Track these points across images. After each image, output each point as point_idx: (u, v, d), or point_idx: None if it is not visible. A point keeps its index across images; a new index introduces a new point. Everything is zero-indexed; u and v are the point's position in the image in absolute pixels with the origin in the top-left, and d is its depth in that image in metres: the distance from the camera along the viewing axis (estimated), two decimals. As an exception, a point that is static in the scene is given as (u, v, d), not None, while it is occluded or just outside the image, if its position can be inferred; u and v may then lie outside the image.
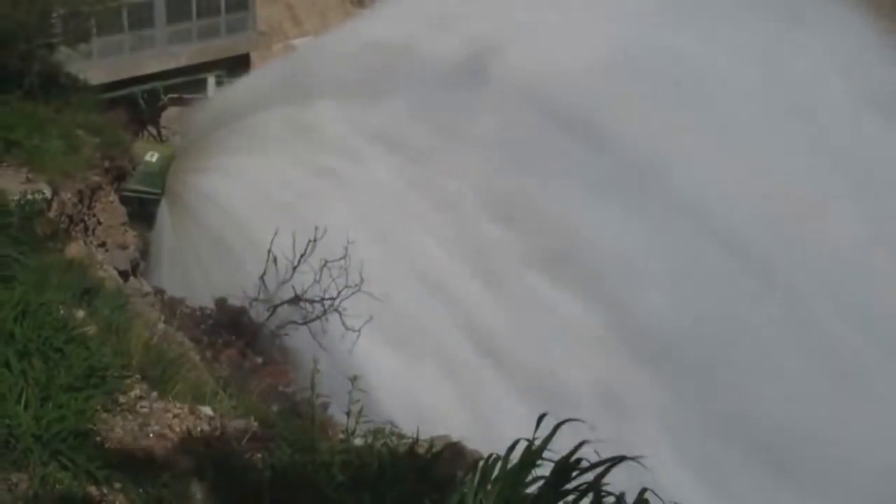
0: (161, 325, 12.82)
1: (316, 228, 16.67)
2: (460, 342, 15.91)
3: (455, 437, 10.01)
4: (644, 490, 7.92)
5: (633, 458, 8.48)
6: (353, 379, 9.44)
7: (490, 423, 11.58)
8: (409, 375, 14.65)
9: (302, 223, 17.51)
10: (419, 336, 15.69)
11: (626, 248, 16.90)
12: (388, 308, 15.96)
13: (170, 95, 27.97)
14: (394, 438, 9.50)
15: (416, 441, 9.44)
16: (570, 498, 8.27)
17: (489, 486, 8.54)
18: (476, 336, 15.96)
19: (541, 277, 16.55)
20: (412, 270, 17.17)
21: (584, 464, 8.40)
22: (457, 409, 13.97)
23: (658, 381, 15.44)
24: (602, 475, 8.30)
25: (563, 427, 8.59)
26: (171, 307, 15.04)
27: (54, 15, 19.91)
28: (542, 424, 8.56)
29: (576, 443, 8.43)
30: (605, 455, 8.40)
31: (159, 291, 15.85)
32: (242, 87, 25.76)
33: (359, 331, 15.12)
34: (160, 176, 21.57)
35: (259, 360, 14.94)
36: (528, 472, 8.49)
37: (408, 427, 10.15)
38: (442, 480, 8.93)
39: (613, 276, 16.49)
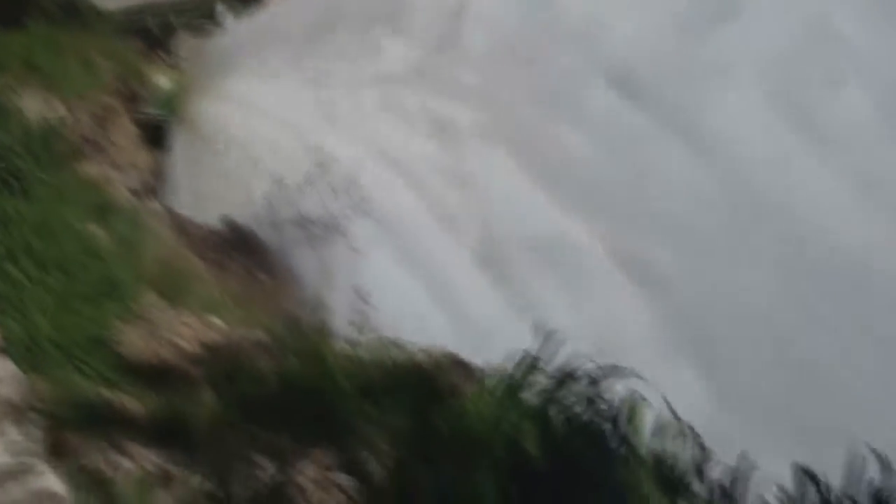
0: (172, 242, 13.16)
1: (323, 152, 16.94)
2: (468, 265, 16.20)
3: (458, 351, 10.32)
4: (634, 392, 8.27)
5: (628, 369, 8.83)
6: (357, 290, 9.74)
7: (493, 340, 11.86)
8: (416, 295, 14.96)
9: (311, 148, 17.73)
10: (427, 258, 15.98)
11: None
12: (396, 231, 16.24)
13: (184, 24, 28.04)
14: (398, 350, 9.80)
15: (418, 353, 9.74)
16: (568, 405, 8.62)
17: (488, 396, 8.89)
18: (483, 258, 16.24)
19: (542, 195, 16.74)
20: (419, 195, 17.39)
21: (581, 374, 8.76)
22: (462, 327, 14.29)
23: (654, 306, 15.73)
24: (598, 384, 8.65)
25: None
26: (182, 226, 15.36)
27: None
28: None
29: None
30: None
31: (170, 211, 16.17)
32: (258, 19, 25.75)
33: (365, 252, 15.44)
34: (173, 101, 21.77)
35: (267, 278, 15.30)
36: (526, 382, 8.83)
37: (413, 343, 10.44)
38: (443, 391, 9.27)
39: (606, 189, 16.66)
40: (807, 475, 7.79)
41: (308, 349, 9.57)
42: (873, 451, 8.01)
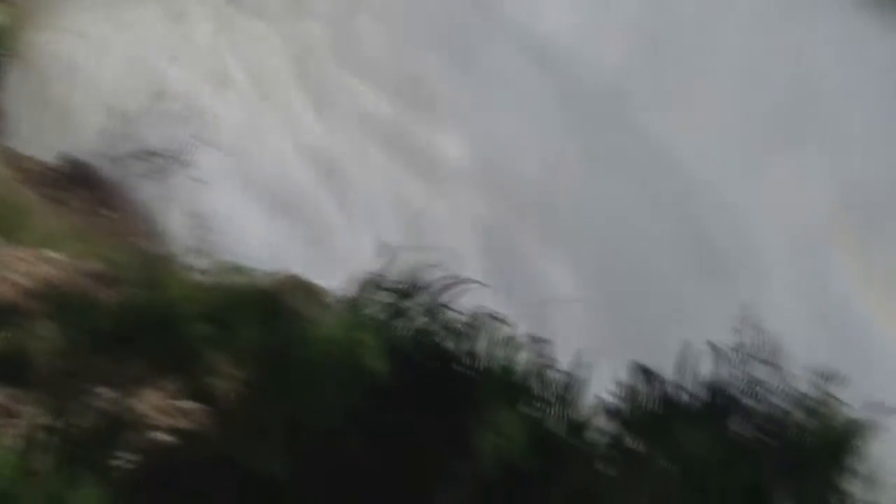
0: (7, 179, 12.87)
1: (165, 83, 16.68)
2: (316, 190, 16.15)
3: (304, 274, 10.34)
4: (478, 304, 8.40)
5: (473, 281, 8.95)
6: (199, 217, 9.68)
7: (339, 260, 11.93)
8: (261, 221, 14.90)
9: (153, 80, 17.42)
10: (274, 185, 15.91)
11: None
12: (241, 160, 16.10)
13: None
14: (241, 275, 9.78)
15: (262, 277, 9.73)
16: (412, 320, 8.71)
17: (334, 316, 8.94)
18: (333, 183, 16.21)
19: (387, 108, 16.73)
20: (268, 124, 17.24)
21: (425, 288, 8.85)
22: (309, 250, 14.30)
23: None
24: (442, 297, 8.75)
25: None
26: (18, 163, 15.02)
27: None
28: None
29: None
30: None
31: (5, 148, 15.79)
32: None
33: (210, 182, 15.29)
34: (8, 35, 21.20)
35: (109, 212, 15.06)
36: (371, 300, 8.90)
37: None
38: (289, 313, 9.29)
39: (479, 114, 16.74)
40: (641, 370, 8.02)
41: (150, 278, 9.51)
42: (708, 342, 8.29)
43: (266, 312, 9.22)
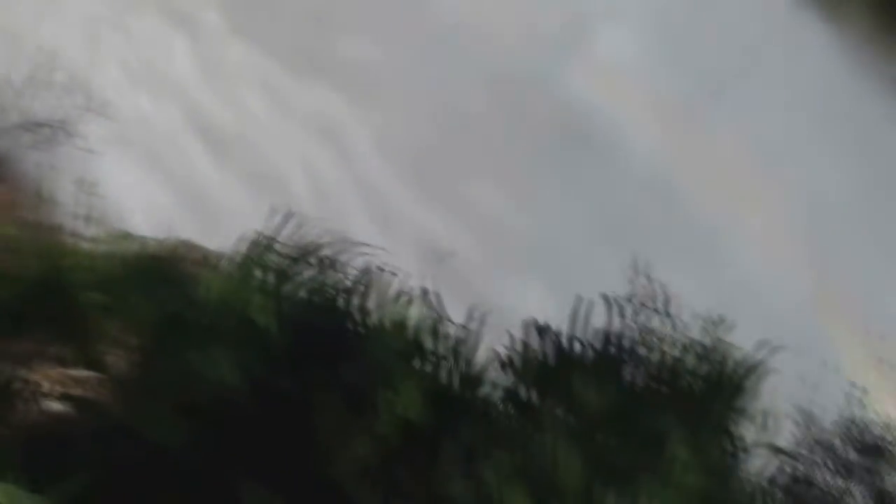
0: None
1: (54, 53, 16.37)
2: (204, 156, 15.97)
3: (195, 240, 10.27)
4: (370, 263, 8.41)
5: (364, 244, 8.95)
6: (88, 187, 9.55)
7: (230, 223, 11.82)
8: (151, 188, 14.73)
9: (40, 49, 17.07)
10: (162, 152, 15.71)
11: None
12: (129, 128, 15.87)
13: None
14: (132, 243, 9.69)
15: (153, 243, 9.65)
16: (303, 281, 8.70)
17: (225, 279, 8.89)
18: (220, 149, 16.04)
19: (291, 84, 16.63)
20: (156, 91, 17.01)
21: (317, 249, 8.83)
22: (200, 216, 14.18)
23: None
24: (333, 258, 8.74)
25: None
26: None
27: None
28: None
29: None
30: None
31: None
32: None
33: (99, 151, 15.06)
34: None
35: (-6, 184, 14.78)
36: (262, 261, 8.86)
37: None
38: (180, 278, 9.23)
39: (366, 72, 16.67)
40: (534, 323, 8.09)
41: (41, 249, 9.38)
42: (601, 295, 8.38)
43: (157, 278, 9.15)
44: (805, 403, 9.15)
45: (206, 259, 9.44)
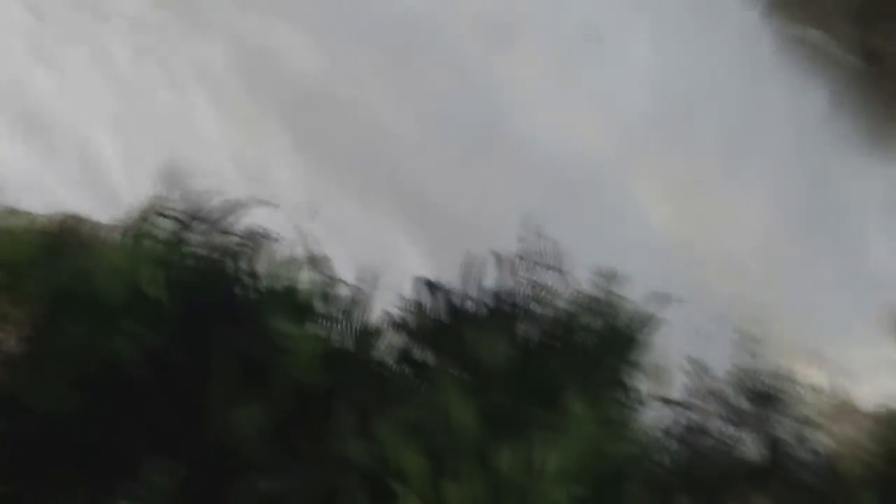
0: None
1: None
2: (90, 129, 15.66)
3: (83, 213, 10.11)
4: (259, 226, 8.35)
5: (266, 202, 8.86)
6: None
7: (122, 198, 11.62)
8: (35, 164, 14.46)
9: None
10: (47, 126, 15.39)
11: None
12: (13, 103, 15.51)
13: None
14: (18, 218, 9.51)
15: (40, 219, 9.49)
16: (193, 247, 8.60)
17: (115, 250, 8.77)
18: (99, 115, 15.70)
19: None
20: (41, 66, 16.62)
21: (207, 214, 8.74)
22: (88, 189, 13.96)
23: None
24: (222, 222, 8.65)
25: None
26: None
27: None
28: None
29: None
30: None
31: None
32: None
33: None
34: None
35: None
36: (152, 229, 8.75)
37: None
38: (68, 251, 9.09)
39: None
40: (426, 283, 8.10)
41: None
42: (492, 252, 8.40)
43: (47, 253, 9.00)
44: (698, 355, 9.28)
45: (94, 231, 9.30)
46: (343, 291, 8.15)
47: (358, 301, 8.07)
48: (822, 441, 9.29)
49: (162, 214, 8.71)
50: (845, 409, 9.41)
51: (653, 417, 8.99)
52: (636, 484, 8.37)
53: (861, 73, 20.63)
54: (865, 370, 12.05)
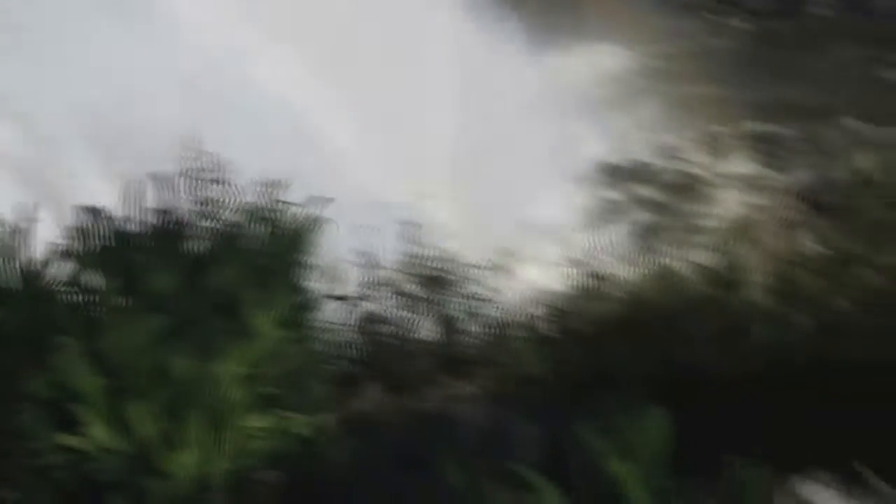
0: None
1: None
2: None
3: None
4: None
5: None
6: None
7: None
8: None
9: None
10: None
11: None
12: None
13: None
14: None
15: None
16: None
17: None
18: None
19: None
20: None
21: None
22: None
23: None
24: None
25: None
26: None
27: None
28: None
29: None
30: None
31: None
32: None
33: None
34: None
35: None
36: None
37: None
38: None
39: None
40: (86, 209, 8.17)
41: None
42: (150, 173, 8.52)
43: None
44: (367, 248, 9.68)
45: None
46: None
47: (19, 235, 8.05)
48: (492, 314, 9.86)
49: None
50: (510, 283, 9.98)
51: (333, 314, 9.35)
52: (322, 379, 8.73)
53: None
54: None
